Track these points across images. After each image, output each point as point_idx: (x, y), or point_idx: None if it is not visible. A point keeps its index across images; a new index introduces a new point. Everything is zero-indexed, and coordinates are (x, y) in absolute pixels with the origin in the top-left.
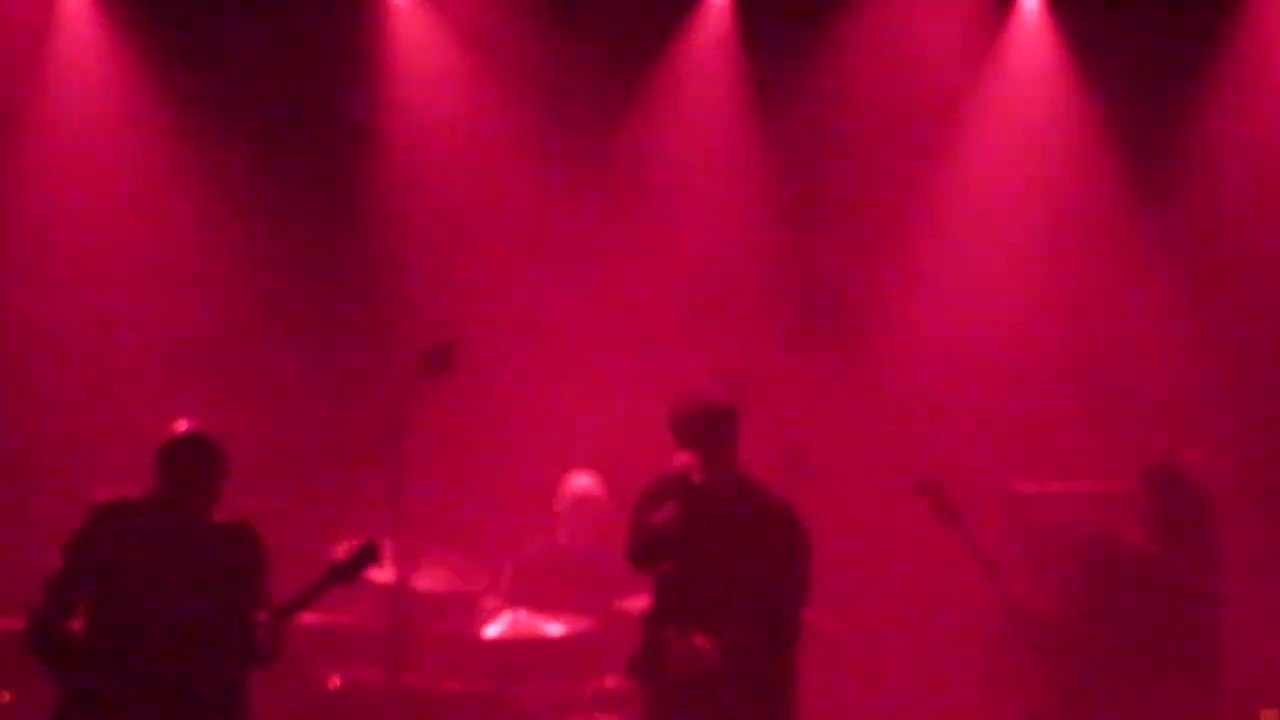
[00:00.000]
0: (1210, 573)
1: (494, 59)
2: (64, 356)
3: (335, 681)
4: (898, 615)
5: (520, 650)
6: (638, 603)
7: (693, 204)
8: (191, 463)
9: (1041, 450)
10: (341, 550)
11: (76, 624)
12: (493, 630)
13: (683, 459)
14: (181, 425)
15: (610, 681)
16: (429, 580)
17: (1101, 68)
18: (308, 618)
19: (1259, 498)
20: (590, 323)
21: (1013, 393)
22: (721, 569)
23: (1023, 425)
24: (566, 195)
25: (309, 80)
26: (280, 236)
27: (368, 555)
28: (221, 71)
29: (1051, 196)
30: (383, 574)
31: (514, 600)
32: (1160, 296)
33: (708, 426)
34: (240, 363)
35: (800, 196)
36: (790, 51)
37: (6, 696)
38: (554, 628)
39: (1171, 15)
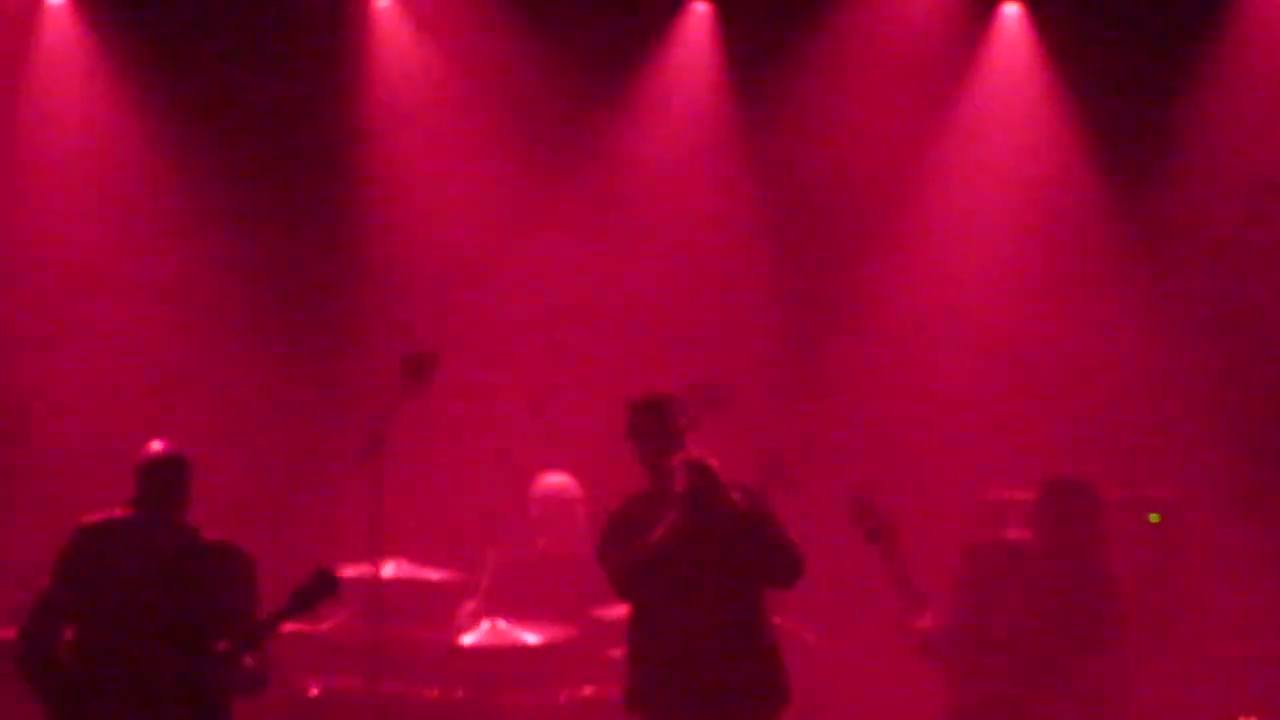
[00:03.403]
0: (1099, 564)
1: (475, 67)
2: (43, 367)
3: (314, 690)
4: (870, 623)
5: (498, 658)
6: (616, 610)
7: (672, 213)
8: (167, 481)
9: (1021, 455)
10: (303, 580)
11: (64, 644)
12: (470, 638)
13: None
14: (155, 445)
15: (587, 690)
16: (408, 574)
17: (1082, 75)
18: (287, 626)
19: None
20: (568, 330)
21: (988, 401)
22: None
23: (998, 434)
24: (546, 204)
25: (288, 88)
26: (258, 247)
27: (325, 586)
28: (200, 77)
29: (1032, 207)
30: (363, 578)
31: (493, 607)
32: (1138, 309)
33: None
34: (219, 374)
35: (780, 206)
36: (773, 59)
37: None
38: (531, 636)
39: (1153, 23)
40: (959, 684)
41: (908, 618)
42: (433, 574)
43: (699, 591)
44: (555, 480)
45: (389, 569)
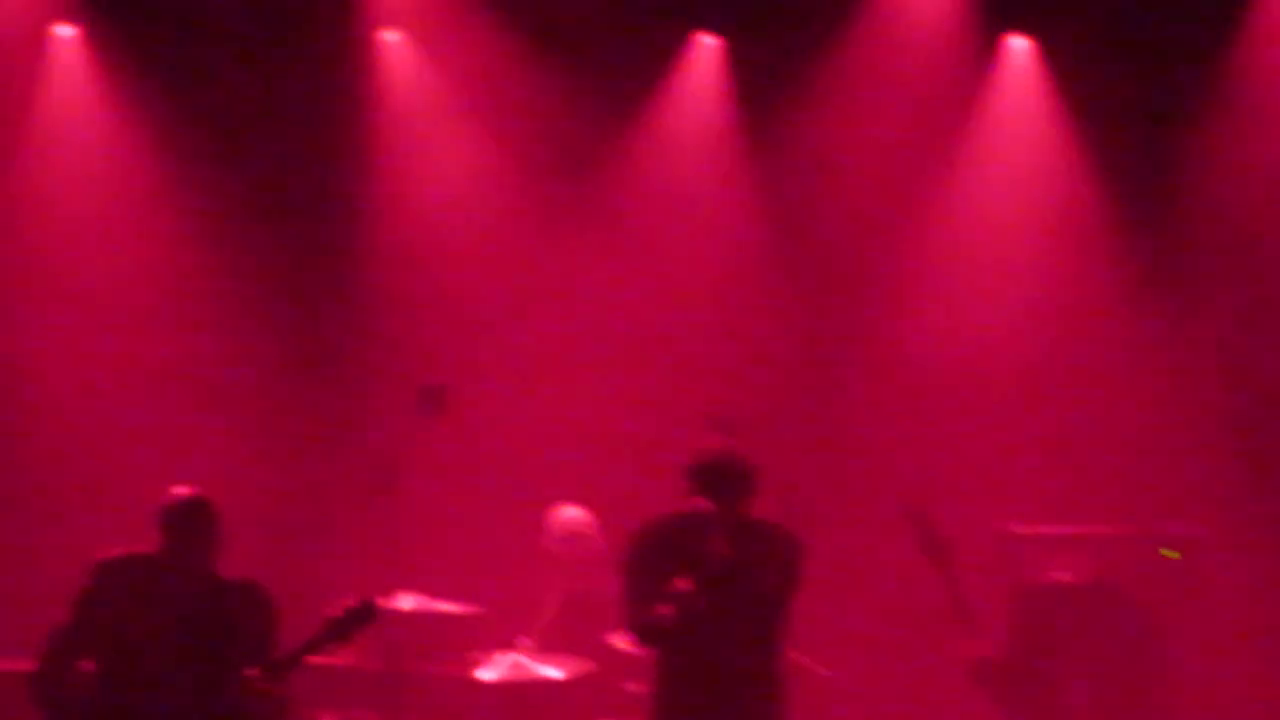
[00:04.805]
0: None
1: (485, 97)
2: (66, 404)
3: None
4: (886, 655)
5: (515, 692)
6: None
7: (681, 243)
8: (190, 527)
9: (1031, 491)
10: (338, 607)
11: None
12: (489, 672)
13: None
14: (180, 490)
15: None
16: (425, 607)
17: (1090, 107)
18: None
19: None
20: (581, 361)
21: (1002, 433)
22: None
23: (1014, 466)
24: (556, 235)
25: (300, 119)
26: (272, 278)
27: (364, 614)
28: (208, 109)
29: (1039, 237)
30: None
31: (513, 639)
32: (1150, 341)
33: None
34: (234, 406)
35: (790, 236)
36: (780, 91)
37: None
38: (549, 669)
39: (1161, 55)
40: (1012, 715)
41: (957, 639)
42: (449, 607)
43: (718, 638)
44: (571, 514)
45: (405, 602)
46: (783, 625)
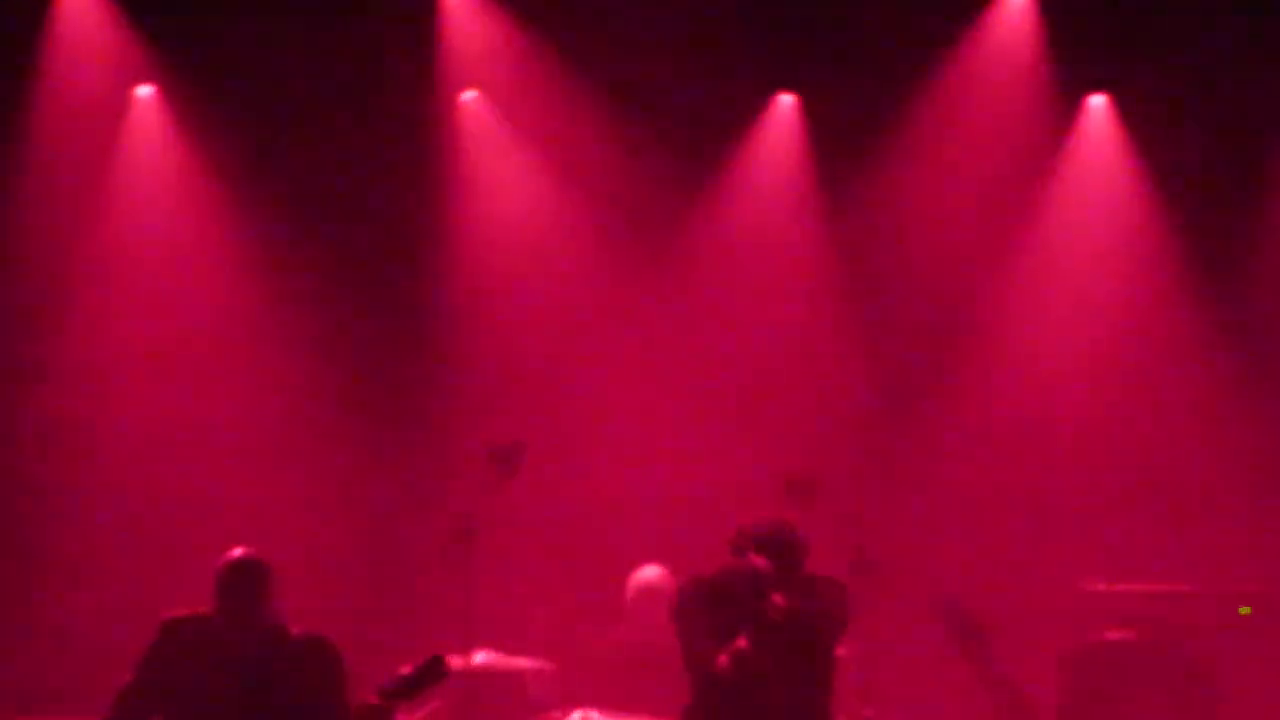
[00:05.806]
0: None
1: (561, 155)
2: (139, 461)
3: None
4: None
5: None
6: None
7: (759, 300)
8: (242, 588)
9: (1111, 547)
10: (408, 666)
11: None
12: None
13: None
14: (233, 552)
15: None
16: (499, 664)
17: (1169, 166)
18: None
19: None
20: (658, 417)
21: (1079, 488)
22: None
23: (1092, 522)
24: (633, 291)
25: (378, 178)
26: (349, 335)
27: (434, 672)
28: (289, 169)
29: (1117, 293)
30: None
31: (585, 696)
32: (1228, 398)
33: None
34: (309, 465)
35: (866, 294)
36: (857, 149)
37: None
38: None
39: (1239, 114)
40: None
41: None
42: (524, 663)
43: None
44: (649, 573)
45: (480, 658)
46: (830, 669)
